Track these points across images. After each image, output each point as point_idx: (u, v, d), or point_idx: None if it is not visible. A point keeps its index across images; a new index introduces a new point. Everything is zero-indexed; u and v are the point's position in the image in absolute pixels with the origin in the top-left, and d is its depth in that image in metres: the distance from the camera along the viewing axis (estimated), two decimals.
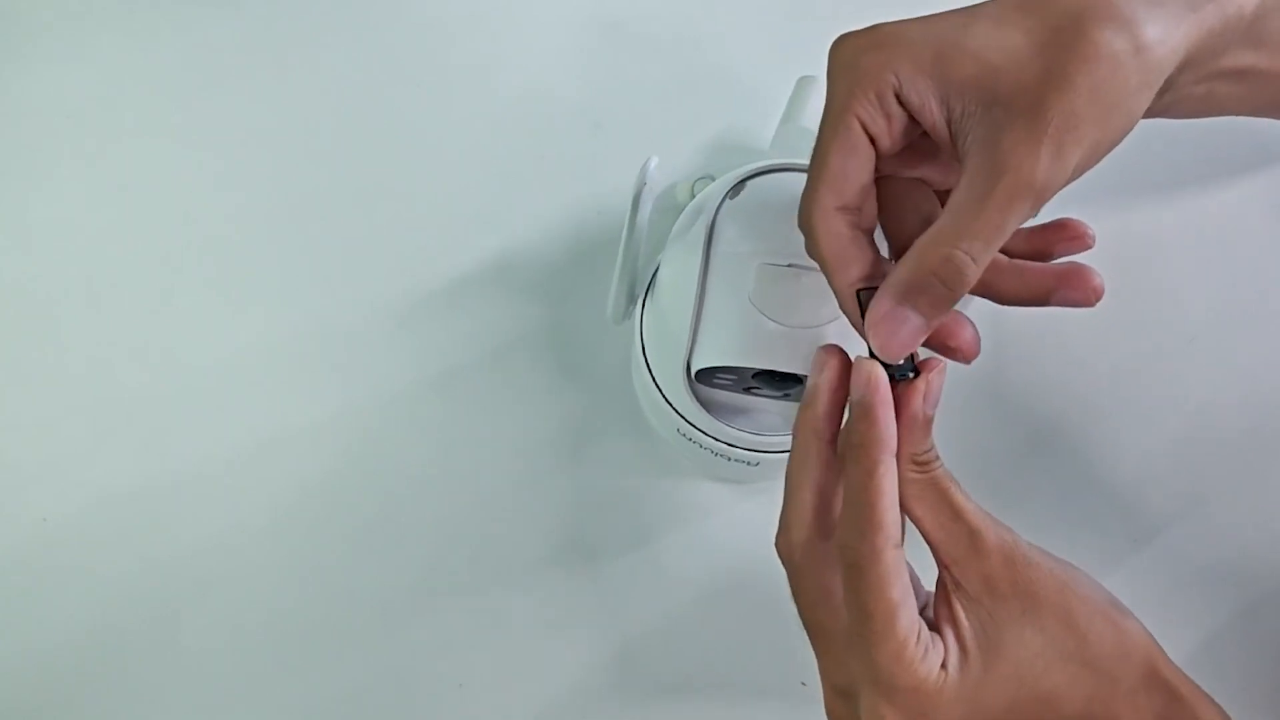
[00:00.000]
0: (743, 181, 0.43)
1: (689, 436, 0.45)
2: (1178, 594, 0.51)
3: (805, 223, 0.36)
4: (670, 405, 0.45)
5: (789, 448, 0.43)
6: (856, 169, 0.35)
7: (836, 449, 0.36)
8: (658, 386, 0.45)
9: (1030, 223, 0.35)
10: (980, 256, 0.32)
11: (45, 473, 0.52)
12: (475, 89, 0.57)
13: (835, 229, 0.35)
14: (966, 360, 0.36)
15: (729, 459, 0.46)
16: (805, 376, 0.41)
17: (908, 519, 0.35)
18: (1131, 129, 0.34)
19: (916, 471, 0.34)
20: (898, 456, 0.34)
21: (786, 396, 0.43)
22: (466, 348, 0.53)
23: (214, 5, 0.58)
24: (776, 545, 0.36)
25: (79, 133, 0.56)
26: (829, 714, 0.37)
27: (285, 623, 0.51)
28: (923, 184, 0.38)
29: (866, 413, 0.34)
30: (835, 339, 0.40)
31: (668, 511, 0.52)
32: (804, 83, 0.50)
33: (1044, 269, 0.37)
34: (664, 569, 0.51)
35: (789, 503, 0.36)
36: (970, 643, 0.34)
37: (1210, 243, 0.56)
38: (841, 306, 0.36)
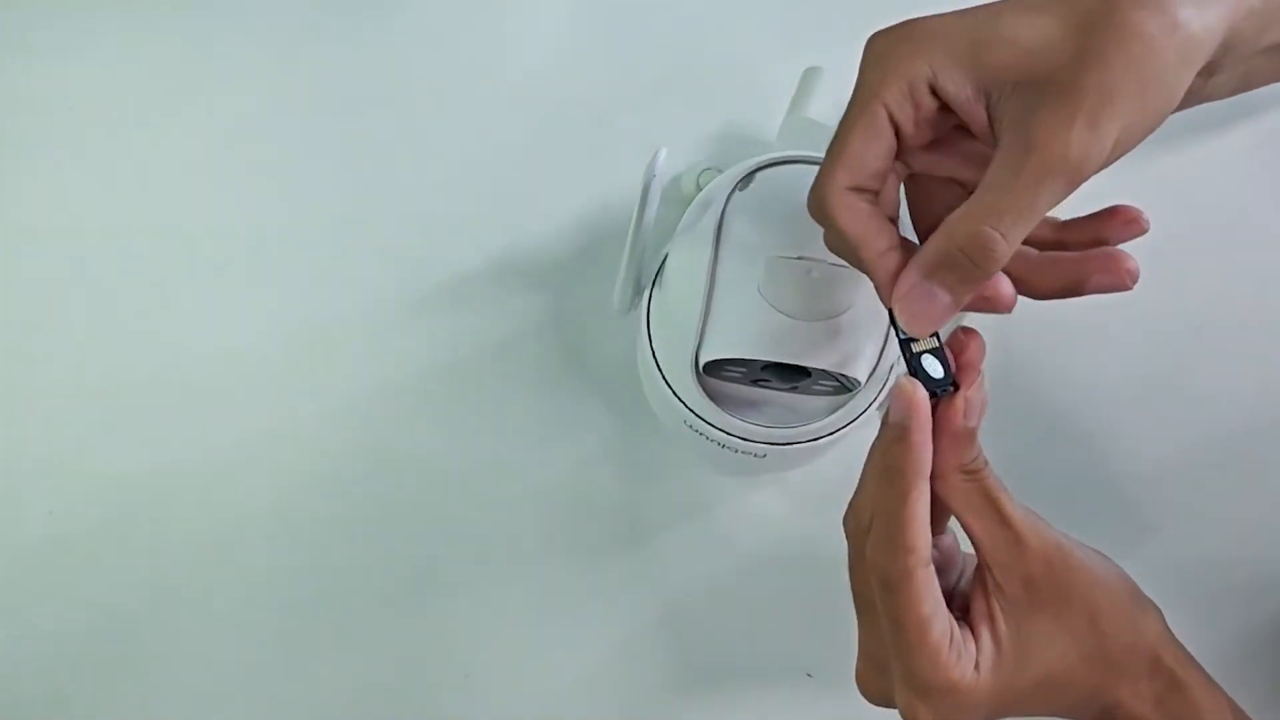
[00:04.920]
0: (752, 173, 0.43)
1: (695, 428, 0.45)
2: (1186, 585, 0.51)
3: (819, 202, 0.35)
4: (677, 397, 0.45)
5: (797, 439, 0.44)
6: (875, 153, 0.34)
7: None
8: (664, 378, 0.45)
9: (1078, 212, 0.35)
10: (1011, 233, 0.32)
11: (50, 465, 0.52)
12: (477, 82, 0.57)
13: (852, 205, 0.34)
14: (1006, 309, 0.36)
15: (736, 451, 0.45)
16: (814, 370, 0.41)
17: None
18: (1172, 107, 0.33)
19: (966, 480, 0.35)
20: (947, 468, 0.35)
21: (795, 389, 0.43)
22: (472, 339, 0.53)
23: None
24: (844, 521, 0.37)
25: (80, 126, 0.56)
26: (859, 680, 0.38)
27: (291, 613, 0.51)
28: (955, 184, 0.37)
29: (903, 436, 0.34)
30: (845, 331, 0.40)
31: (674, 504, 0.52)
32: (810, 74, 0.50)
33: (1076, 257, 0.37)
34: (670, 561, 0.51)
35: (862, 490, 0.37)
36: (1006, 643, 0.35)
37: (1215, 230, 0.56)
38: (874, 279, 0.35)
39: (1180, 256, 0.55)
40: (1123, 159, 0.33)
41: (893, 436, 0.35)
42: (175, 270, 0.54)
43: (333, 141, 0.56)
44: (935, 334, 0.35)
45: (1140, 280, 0.54)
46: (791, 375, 0.42)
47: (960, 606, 0.37)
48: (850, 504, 0.37)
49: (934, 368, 0.35)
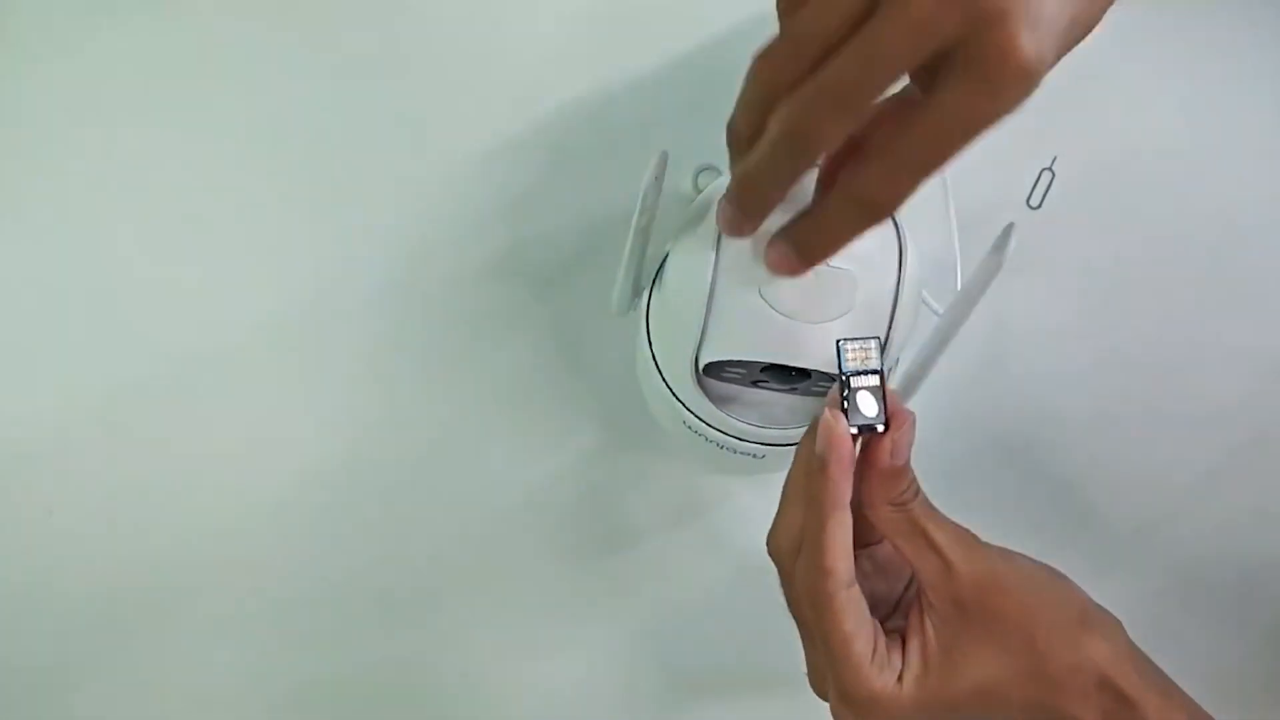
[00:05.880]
0: None
1: (694, 429, 0.45)
2: (1184, 583, 0.52)
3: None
4: (676, 397, 0.45)
5: (796, 440, 0.44)
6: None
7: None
8: (664, 379, 0.45)
9: None
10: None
11: (50, 465, 0.52)
12: (477, 81, 0.57)
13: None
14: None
15: (735, 451, 0.46)
16: (815, 371, 0.41)
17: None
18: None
19: (894, 511, 0.37)
20: (875, 500, 0.37)
21: (794, 390, 0.44)
22: (470, 339, 0.53)
23: None
24: (767, 546, 0.39)
25: (79, 126, 0.55)
26: (810, 681, 0.41)
27: (291, 614, 0.51)
28: None
29: (822, 469, 0.36)
30: (844, 333, 0.40)
31: (673, 504, 0.52)
32: None
33: None
34: (669, 561, 0.51)
35: (781, 513, 0.39)
36: (934, 658, 0.37)
37: (1207, 239, 0.56)
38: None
39: (1177, 258, 0.56)
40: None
41: (814, 467, 0.36)
42: (174, 270, 0.54)
43: (331, 140, 0.56)
44: (879, 372, 0.36)
45: (1138, 282, 0.55)
46: (791, 376, 0.42)
47: (904, 614, 0.39)
48: (771, 527, 0.39)
49: (868, 405, 0.36)
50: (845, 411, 0.36)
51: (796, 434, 0.44)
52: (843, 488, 0.36)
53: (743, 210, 0.37)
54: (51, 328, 0.53)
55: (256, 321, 0.53)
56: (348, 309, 0.54)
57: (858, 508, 0.37)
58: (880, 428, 0.36)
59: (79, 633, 0.50)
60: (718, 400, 0.44)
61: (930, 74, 0.32)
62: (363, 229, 0.55)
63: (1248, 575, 0.52)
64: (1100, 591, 0.51)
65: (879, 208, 0.34)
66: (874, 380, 0.36)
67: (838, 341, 0.36)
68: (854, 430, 0.36)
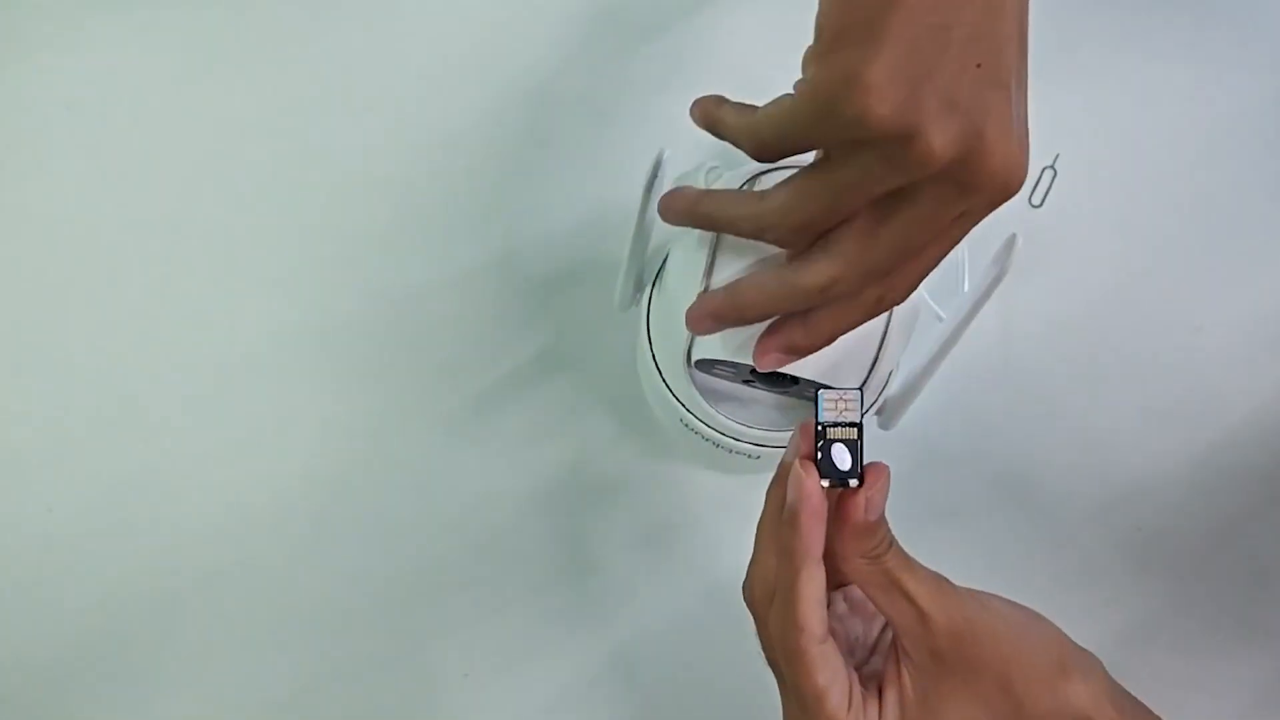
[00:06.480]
0: (755, 177, 0.43)
1: (691, 427, 0.46)
2: (1177, 586, 0.52)
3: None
4: (673, 394, 0.45)
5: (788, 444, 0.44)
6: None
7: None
8: (661, 375, 0.45)
9: None
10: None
11: (50, 463, 0.52)
12: (477, 80, 0.57)
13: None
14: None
15: (731, 451, 0.46)
16: (804, 379, 0.41)
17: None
18: None
19: (867, 564, 0.36)
20: (848, 553, 0.36)
21: (786, 392, 0.44)
22: (471, 337, 0.53)
23: None
24: (743, 593, 0.39)
25: (79, 124, 0.55)
26: None
27: (290, 613, 0.51)
28: None
29: (793, 520, 0.36)
30: (836, 341, 0.40)
31: (671, 504, 0.52)
32: None
33: None
34: (667, 561, 0.52)
35: (755, 560, 0.39)
36: (912, 707, 0.37)
37: (1210, 236, 0.56)
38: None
39: (1180, 256, 0.56)
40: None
41: (785, 519, 0.36)
42: (175, 269, 0.54)
43: (330, 140, 0.56)
44: (858, 425, 0.35)
45: (1140, 279, 0.55)
46: (782, 380, 0.42)
47: (882, 657, 0.39)
48: (746, 575, 0.39)
49: (842, 459, 0.35)
50: (819, 463, 0.35)
51: (788, 437, 0.44)
52: (814, 542, 0.35)
53: (728, 320, 0.39)
54: (51, 327, 0.53)
55: (256, 322, 0.53)
56: (348, 309, 0.54)
57: (831, 556, 0.37)
58: (854, 483, 0.35)
59: (78, 631, 0.50)
60: (716, 399, 0.44)
61: None
62: (359, 232, 0.55)
63: (1253, 577, 0.52)
64: (1097, 591, 0.51)
65: (893, 305, 0.38)
66: (851, 433, 0.35)
67: (817, 390, 0.35)
68: (826, 484, 0.35)
